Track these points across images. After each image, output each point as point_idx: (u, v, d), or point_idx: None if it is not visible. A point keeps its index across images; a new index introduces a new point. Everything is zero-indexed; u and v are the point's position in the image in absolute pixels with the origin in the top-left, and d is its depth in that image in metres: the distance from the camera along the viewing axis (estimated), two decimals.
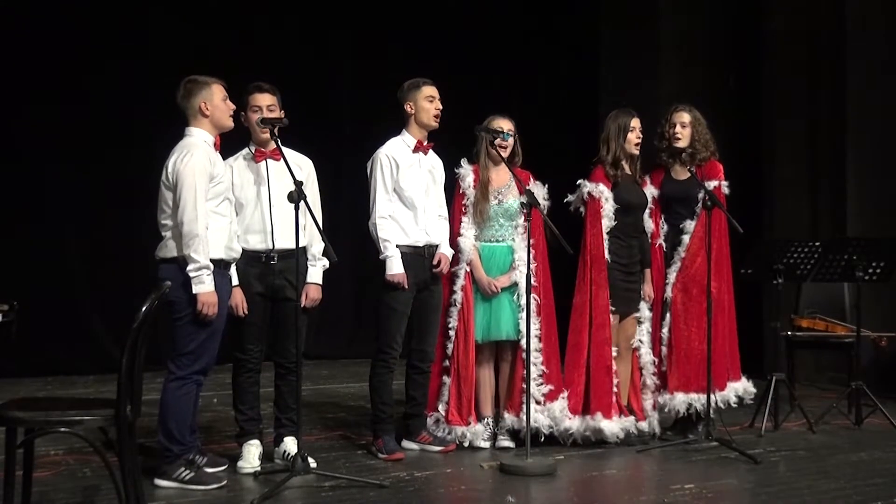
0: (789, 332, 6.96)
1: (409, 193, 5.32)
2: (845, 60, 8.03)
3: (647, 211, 5.81)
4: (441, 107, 5.39)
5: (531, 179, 5.58)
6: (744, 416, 6.14)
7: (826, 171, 8.28)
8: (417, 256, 5.33)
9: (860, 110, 7.97)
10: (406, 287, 5.25)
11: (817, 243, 6.25)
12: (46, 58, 7.80)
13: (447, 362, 5.54)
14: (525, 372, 5.33)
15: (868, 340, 6.85)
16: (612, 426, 5.53)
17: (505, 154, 5.48)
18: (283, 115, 4.99)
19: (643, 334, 5.78)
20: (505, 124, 5.53)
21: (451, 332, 5.52)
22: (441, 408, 5.54)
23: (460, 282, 5.51)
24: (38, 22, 7.80)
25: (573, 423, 5.52)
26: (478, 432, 5.51)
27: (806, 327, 6.99)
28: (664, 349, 5.77)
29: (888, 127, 7.82)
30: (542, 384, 5.46)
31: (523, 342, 5.39)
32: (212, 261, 4.59)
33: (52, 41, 7.82)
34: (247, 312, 4.93)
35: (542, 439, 5.43)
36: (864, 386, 6.18)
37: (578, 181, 5.70)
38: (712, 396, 5.60)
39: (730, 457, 5.33)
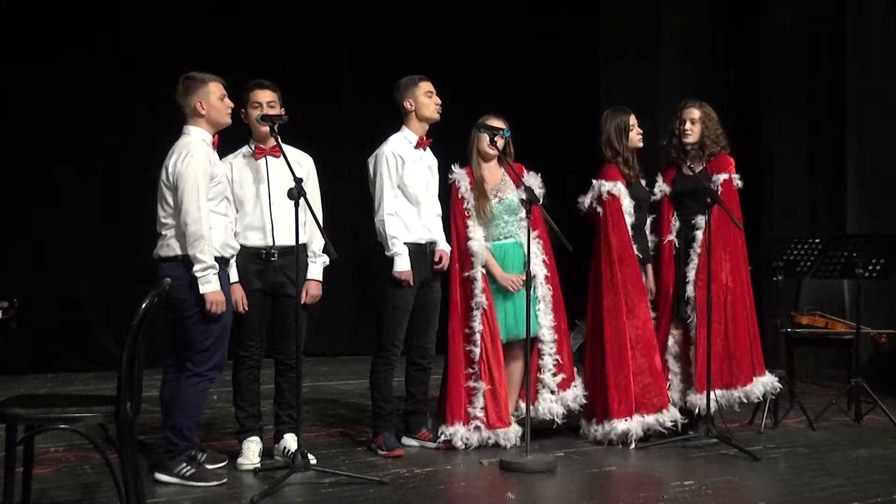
0: (789, 330, 6.95)
1: (413, 190, 5.33)
2: (845, 58, 8.03)
3: (647, 205, 5.82)
4: (440, 100, 5.40)
5: (524, 171, 5.56)
6: (744, 413, 6.12)
7: (826, 169, 8.28)
8: (420, 254, 5.34)
9: (860, 107, 7.97)
10: (412, 284, 5.26)
11: (817, 240, 6.24)
12: (46, 58, 7.80)
13: (474, 367, 5.44)
14: (539, 362, 5.41)
15: (868, 337, 6.85)
16: (678, 415, 5.58)
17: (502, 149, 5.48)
18: (283, 112, 5.00)
19: None
20: (500, 123, 5.53)
21: (477, 337, 5.43)
22: (477, 413, 5.41)
23: (480, 285, 5.45)
24: (38, 22, 7.80)
25: (632, 424, 5.45)
26: (511, 434, 5.42)
27: (806, 324, 6.99)
28: (691, 349, 5.70)
29: (888, 124, 7.82)
30: (556, 374, 5.46)
31: (540, 334, 5.44)
32: (216, 259, 4.60)
33: (52, 41, 7.82)
34: (247, 309, 4.94)
35: (555, 426, 5.48)
36: (864, 383, 6.18)
37: (594, 181, 5.66)
38: (737, 392, 5.62)
39: (730, 453, 5.33)
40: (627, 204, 5.62)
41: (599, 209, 5.63)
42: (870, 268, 6.23)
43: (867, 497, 4.52)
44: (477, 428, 5.41)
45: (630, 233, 5.61)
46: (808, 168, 8.42)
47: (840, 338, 6.90)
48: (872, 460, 5.28)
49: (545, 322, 5.47)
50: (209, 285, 4.56)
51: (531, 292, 5.39)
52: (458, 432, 5.39)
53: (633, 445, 5.44)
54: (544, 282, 5.49)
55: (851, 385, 6.27)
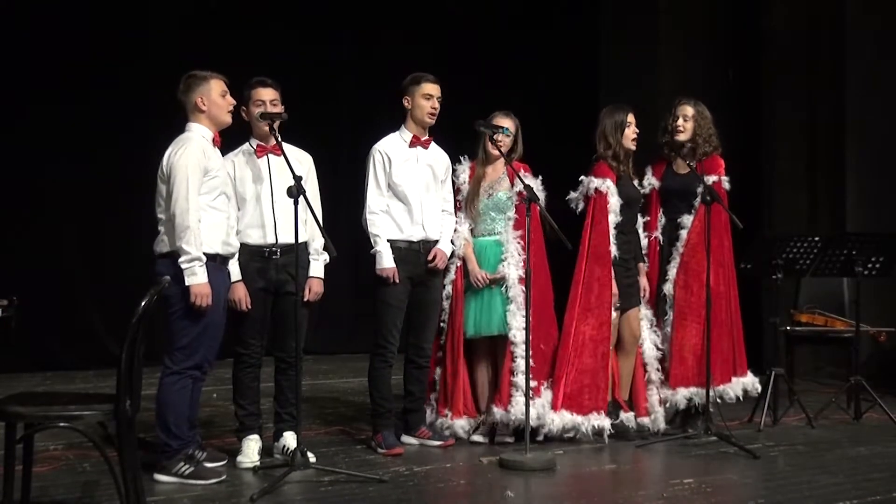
0: (788, 328, 6.96)
1: (402, 188, 5.32)
2: (845, 55, 8.04)
3: (639, 205, 5.82)
4: (438, 106, 5.37)
5: (524, 171, 5.56)
6: (743, 411, 6.14)
7: (825, 166, 8.29)
8: (411, 252, 5.34)
9: (859, 105, 7.97)
10: (397, 281, 5.26)
11: (816, 238, 6.25)
12: (46, 58, 7.80)
13: (441, 353, 5.57)
14: (511, 365, 5.38)
15: (867, 335, 6.86)
16: (604, 422, 5.49)
17: (504, 149, 5.48)
18: (283, 111, 5.00)
19: (645, 330, 5.77)
20: (506, 122, 5.53)
21: (444, 325, 5.55)
22: (433, 398, 5.58)
23: (450, 276, 5.54)
24: (38, 22, 7.80)
25: (554, 418, 5.44)
26: (456, 426, 5.50)
27: (805, 322, 7.00)
28: (665, 346, 5.75)
29: (887, 122, 7.83)
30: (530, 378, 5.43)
31: (510, 335, 5.41)
32: (208, 255, 4.59)
33: (52, 41, 7.81)
34: (250, 307, 4.94)
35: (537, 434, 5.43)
36: (863, 381, 6.18)
37: (581, 177, 5.66)
38: (714, 391, 5.61)
39: (729, 451, 5.34)
40: (614, 202, 5.61)
41: (583, 205, 5.64)
42: (869, 266, 6.24)
43: (866, 495, 4.53)
44: (430, 410, 5.55)
45: (613, 232, 5.58)
46: (808, 167, 8.42)
47: (839, 336, 6.91)
48: (872, 458, 5.29)
49: (514, 323, 5.42)
50: (194, 277, 4.51)
51: (503, 291, 5.46)
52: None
53: (540, 438, 5.40)
54: (517, 282, 5.42)
55: (851, 383, 6.28)
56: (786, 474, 4.98)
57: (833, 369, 7.80)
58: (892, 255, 6.23)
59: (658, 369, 5.76)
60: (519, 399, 5.34)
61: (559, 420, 5.45)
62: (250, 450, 4.98)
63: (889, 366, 7.33)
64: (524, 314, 5.28)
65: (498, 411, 5.45)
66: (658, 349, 5.77)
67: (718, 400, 5.70)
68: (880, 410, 6.08)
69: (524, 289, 5.36)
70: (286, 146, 4.95)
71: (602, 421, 5.49)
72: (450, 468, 5.04)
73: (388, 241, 5.28)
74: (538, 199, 5.24)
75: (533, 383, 5.40)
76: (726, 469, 5.03)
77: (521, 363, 5.36)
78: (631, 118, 5.71)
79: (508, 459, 5.03)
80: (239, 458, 4.96)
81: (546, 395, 5.47)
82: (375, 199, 5.30)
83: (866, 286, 6.47)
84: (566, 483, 4.81)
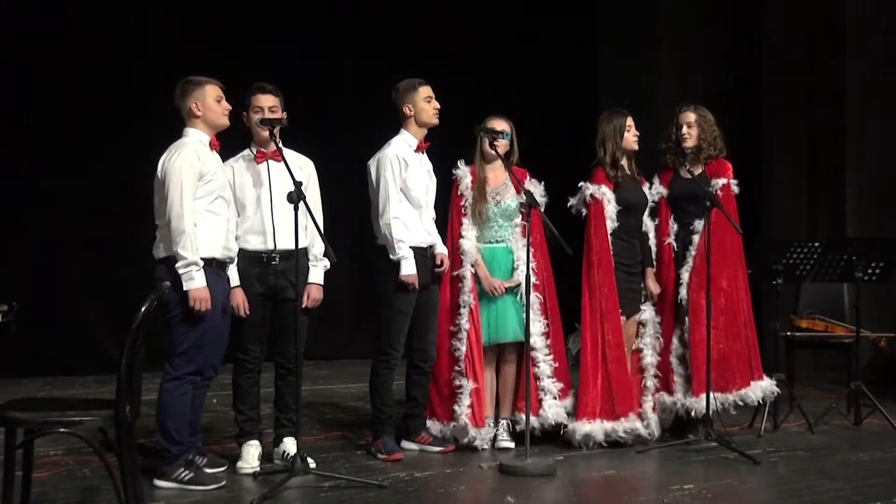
0: (788, 333, 6.96)
1: (415, 193, 5.32)
2: (845, 60, 8.04)
3: (648, 210, 5.81)
4: (439, 105, 5.39)
5: (527, 177, 5.58)
6: (743, 417, 6.13)
7: (825, 171, 8.29)
8: (421, 257, 5.33)
9: (859, 111, 7.97)
10: (417, 288, 5.25)
11: (816, 244, 6.24)
12: (47, 58, 7.81)
13: (460, 366, 5.47)
14: (535, 370, 5.37)
15: (867, 341, 6.85)
16: (640, 425, 5.54)
17: (502, 153, 5.48)
18: (284, 116, 4.99)
19: (646, 336, 5.76)
20: (501, 125, 5.53)
21: (463, 335, 5.46)
22: (461, 411, 5.43)
23: (468, 283, 5.48)
24: (38, 22, 7.81)
25: (594, 427, 5.44)
26: (485, 435, 5.49)
27: (805, 328, 6.99)
28: (687, 352, 5.70)
29: (887, 127, 7.83)
30: (555, 381, 5.46)
31: (532, 341, 5.40)
32: (206, 260, 4.59)
33: (52, 41, 7.82)
34: (248, 313, 4.93)
35: (563, 432, 5.46)
36: (864, 386, 6.17)
37: (580, 183, 5.68)
38: (732, 396, 5.62)
39: (729, 457, 5.33)
40: (611, 209, 5.62)
41: (584, 211, 5.66)
42: (869, 271, 6.23)
43: (866, 500, 4.52)
44: (457, 426, 5.45)
45: (609, 238, 5.59)
46: (808, 172, 8.42)
47: (840, 341, 6.90)
48: (872, 464, 5.28)
49: (534, 329, 5.42)
50: (192, 282, 4.51)
51: (518, 298, 5.45)
52: (432, 428, 5.51)
53: (584, 449, 5.43)
54: (532, 289, 5.39)
55: (851, 388, 6.26)
56: (786, 480, 4.97)
57: (833, 375, 7.79)
58: (893, 260, 6.22)
59: (655, 376, 5.74)
60: (551, 402, 5.42)
61: (597, 429, 5.45)
62: (250, 455, 4.97)
63: (889, 371, 7.33)
64: (541, 320, 5.41)
65: (521, 416, 5.45)
66: (658, 356, 5.75)
67: (741, 402, 5.70)
68: (880, 416, 6.07)
69: (539, 295, 5.44)
70: (288, 152, 4.96)
71: (633, 425, 5.51)
72: (450, 474, 5.03)
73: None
74: (538, 204, 5.25)
75: (559, 385, 5.46)
76: (726, 475, 5.03)
77: (544, 368, 5.42)
78: (629, 122, 5.71)
79: (508, 465, 5.03)
80: (239, 464, 4.95)
81: (571, 399, 5.54)
82: (396, 205, 5.24)
83: (866, 291, 6.46)
84: (566, 489, 4.80)
